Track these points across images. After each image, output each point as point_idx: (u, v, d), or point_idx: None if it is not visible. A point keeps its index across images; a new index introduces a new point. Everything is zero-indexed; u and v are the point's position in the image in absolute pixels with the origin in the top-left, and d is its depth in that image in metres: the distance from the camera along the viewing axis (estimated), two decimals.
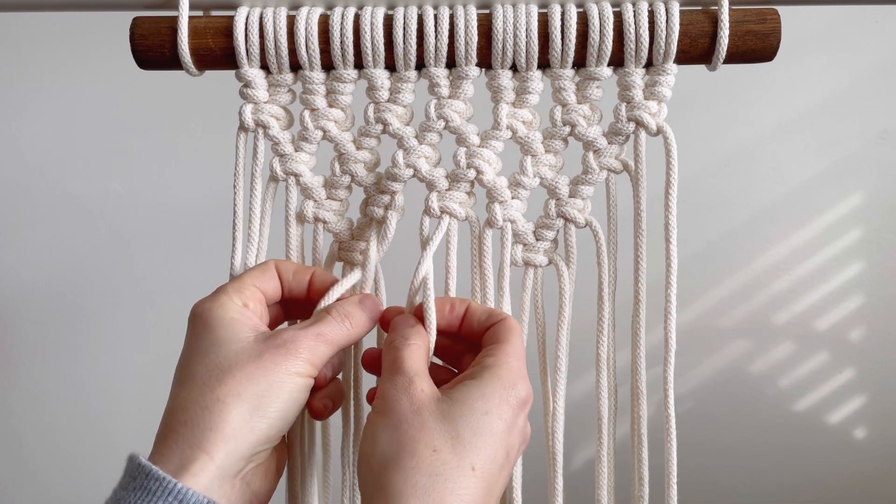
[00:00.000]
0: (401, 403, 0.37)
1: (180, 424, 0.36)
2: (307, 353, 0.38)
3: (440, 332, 0.43)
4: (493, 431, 0.36)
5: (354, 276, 0.44)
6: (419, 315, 0.42)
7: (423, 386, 0.38)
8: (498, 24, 0.41)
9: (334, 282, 0.43)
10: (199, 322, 0.39)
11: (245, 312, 0.40)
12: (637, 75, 0.43)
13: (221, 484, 0.35)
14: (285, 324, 0.46)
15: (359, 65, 0.43)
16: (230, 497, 0.36)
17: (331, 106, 0.44)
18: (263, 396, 0.37)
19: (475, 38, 0.42)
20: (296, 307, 0.45)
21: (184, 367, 0.39)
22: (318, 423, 0.47)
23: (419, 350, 0.40)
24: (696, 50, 0.42)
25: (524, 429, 0.40)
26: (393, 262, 0.48)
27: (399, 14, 0.42)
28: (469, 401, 0.37)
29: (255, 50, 0.42)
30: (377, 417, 0.38)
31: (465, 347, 0.44)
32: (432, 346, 0.42)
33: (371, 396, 0.41)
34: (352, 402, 0.47)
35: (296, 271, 0.43)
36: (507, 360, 0.39)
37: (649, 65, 0.43)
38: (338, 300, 0.42)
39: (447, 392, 0.38)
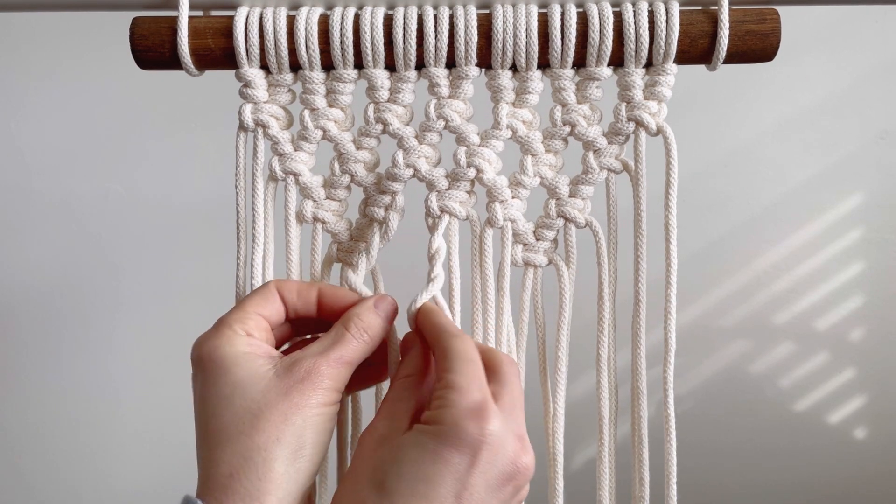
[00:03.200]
0: (343, 482, 0.37)
1: (226, 477, 0.35)
2: (331, 380, 0.37)
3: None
4: (428, 479, 0.34)
5: (357, 279, 0.43)
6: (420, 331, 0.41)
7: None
8: (498, 24, 0.41)
9: (344, 295, 0.42)
10: (210, 364, 0.37)
11: (253, 343, 0.38)
12: (637, 75, 0.43)
13: None
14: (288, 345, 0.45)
15: (359, 65, 0.43)
16: None
17: (331, 106, 0.44)
18: (301, 435, 0.36)
19: (475, 38, 0.42)
20: (305, 324, 0.44)
21: (210, 417, 0.37)
22: None
23: (403, 384, 0.39)
24: (696, 50, 0.42)
25: (492, 461, 0.35)
26: (392, 263, 0.48)
27: (399, 14, 0.42)
28: None
29: (255, 50, 0.42)
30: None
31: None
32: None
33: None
34: (350, 408, 0.47)
35: (299, 291, 0.41)
36: (449, 407, 0.37)
37: (649, 65, 0.43)
38: (353, 306, 0.41)
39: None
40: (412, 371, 0.40)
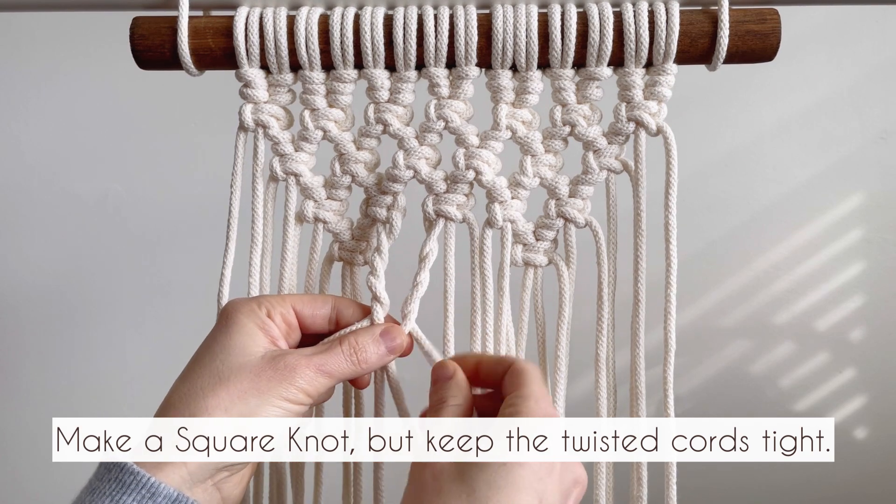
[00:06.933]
0: (423, 472, 0.37)
1: (163, 415, 0.38)
2: (304, 382, 0.39)
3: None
4: (514, 482, 0.35)
5: (380, 284, 0.43)
6: (459, 361, 0.42)
7: None
8: (498, 24, 0.41)
9: (358, 313, 0.44)
10: (224, 320, 0.41)
11: (268, 324, 0.40)
12: (637, 75, 0.43)
13: (192, 486, 0.36)
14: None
15: (359, 65, 0.43)
16: (200, 497, 0.37)
17: (331, 106, 0.44)
18: (249, 417, 0.37)
19: (475, 38, 0.42)
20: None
21: (196, 360, 0.40)
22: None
23: (454, 411, 0.40)
24: (696, 50, 0.42)
25: (565, 470, 0.37)
26: (392, 263, 0.48)
27: (399, 14, 0.42)
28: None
29: (255, 50, 0.42)
30: (408, 484, 0.38)
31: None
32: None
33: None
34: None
35: (313, 304, 0.43)
36: (525, 406, 0.38)
37: (649, 65, 0.43)
38: (359, 329, 0.42)
39: None
40: (462, 401, 0.41)
